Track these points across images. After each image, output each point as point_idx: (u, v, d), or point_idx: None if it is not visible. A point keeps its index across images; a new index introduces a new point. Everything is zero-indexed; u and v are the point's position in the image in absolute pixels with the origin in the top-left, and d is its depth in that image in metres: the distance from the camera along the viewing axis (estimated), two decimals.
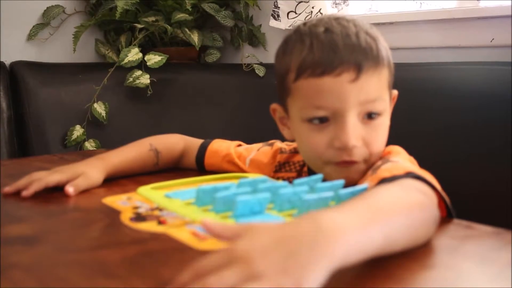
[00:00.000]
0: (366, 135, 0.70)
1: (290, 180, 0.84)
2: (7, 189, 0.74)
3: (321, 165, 0.73)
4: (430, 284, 0.45)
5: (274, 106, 0.80)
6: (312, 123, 0.71)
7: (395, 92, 0.78)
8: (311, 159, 0.76)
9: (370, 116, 0.70)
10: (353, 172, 0.71)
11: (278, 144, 0.90)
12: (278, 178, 0.86)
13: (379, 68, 0.70)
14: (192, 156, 0.94)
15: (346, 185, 0.69)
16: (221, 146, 0.93)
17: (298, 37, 0.72)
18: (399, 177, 0.60)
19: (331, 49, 0.68)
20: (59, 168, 0.79)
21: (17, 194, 0.74)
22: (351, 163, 0.71)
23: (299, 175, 0.85)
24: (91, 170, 0.79)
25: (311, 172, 0.80)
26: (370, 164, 0.72)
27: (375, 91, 0.70)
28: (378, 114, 0.71)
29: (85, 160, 0.83)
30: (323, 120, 0.70)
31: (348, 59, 0.68)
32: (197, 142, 0.95)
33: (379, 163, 0.68)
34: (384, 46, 0.72)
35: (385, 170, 0.63)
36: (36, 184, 0.74)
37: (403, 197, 0.54)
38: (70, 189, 0.74)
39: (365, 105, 0.69)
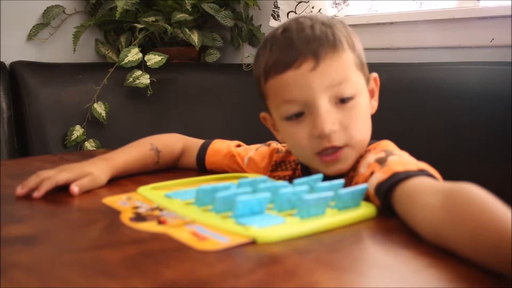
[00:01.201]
0: (342, 119, 0.71)
1: (286, 177, 0.86)
2: (20, 191, 0.73)
3: (310, 158, 0.75)
4: (430, 284, 0.45)
5: (263, 114, 0.82)
6: (291, 120, 0.73)
7: (374, 75, 0.79)
8: (300, 155, 0.77)
9: (342, 100, 0.71)
10: (341, 163, 0.73)
11: (274, 144, 0.91)
12: (274, 177, 0.87)
13: (338, 52, 0.71)
14: (192, 155, 0.95)
15: (341, 174, 0.72)
16: (221, 146, 0.94)
17: (262, 44, 0.77)
18: (413, 173, 0.60)
19: (288, 45, 0.72)
20: (65, 166, 0.79)
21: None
22: (336, 156, 0.72)
23: (294, 173, 0.86)
24: (97, 171, 0.79)
25: (304, 169, 0.82)
26: (359, 150, 0.73)
27: (339, 74, 0.71)
28: (350, 98, 0.72)
29: (90, 160, 0.83)
30: (299, 115, 0.73)
31: (304, 51, 0.71)
32: (196, 142, 0.97)
33: (381, 154, 0.68)
34: (343, 31, 0.74)
35: (396, 163, 0.63)
36: (46, 184, 0.74)
37: None
38: (75, 189, 0.74)
39: (332, 90, 0.71)
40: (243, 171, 0.91)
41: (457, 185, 0.54)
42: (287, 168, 0.87)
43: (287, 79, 0.71)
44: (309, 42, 0.71)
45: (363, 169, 0.69)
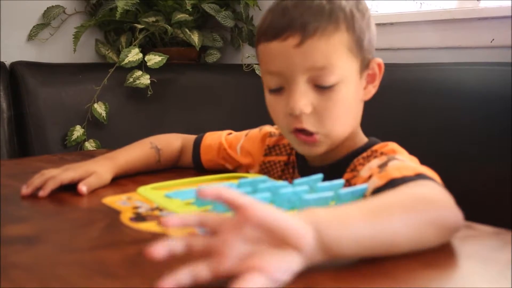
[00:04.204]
0: (318, 104, 0.70)
1: (281, 163, 0.85)
2: (25, 191, 0.73)
3: (286, 134, 0.75)
4: (430, 284, 0.45)
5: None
6: (272, 92, 0.73)
7: (377, 60, 0.75)
8: (279, 128, 0.77)
9: (322, 86, 0.69)
10: (314, 148, 0.72)
11: (267, 128, 0.90)
12: (269, 162, 0.86)
13: (329, 33, 0.68)
14: (189, 154, 0.94)
15: (315, 160, 0.72)
16: (213, 139, 0.92)
17: (272, 3, 0.74)
18: (409, 178, 0.59)
19: (282, 13, 0.70)
20: (69, 166, 0.79)
21: (16, 193, 0.74)
22: (308, 140, 0.71)
23: (289, 158, 0.85)
24: (102, 169, 0.79)
25: (298, 154, 0.81)
26: (334, 139, 0.72)
27: (322, 58, 0.68)
28: (330, 86, 0.69)
29: (94, 159, 0.83)
30: (279, 89, 0.71)
31: (294, 23, 0.68)
32: (191, 139, 0.95)
33: (384, 158, 0.66)
34: (346, 8, 0.70)
35: (394, 169, 0.62)
36: (51, 183, 0.73)
37: (406, 194, 0.53)
38: (83, 188, 0.73)
39: (312, 72, 0.68)
40: (237, 162, 0.90)
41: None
42: (282, 152, 0.86)
43: (273, 49, 0.70)
44: (302, 13, 0.68)
45: (364, 173, 0.67)
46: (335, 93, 0.70)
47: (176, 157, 0.95)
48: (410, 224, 0.49)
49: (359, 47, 0.71)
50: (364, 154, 0.73)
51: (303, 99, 0.69)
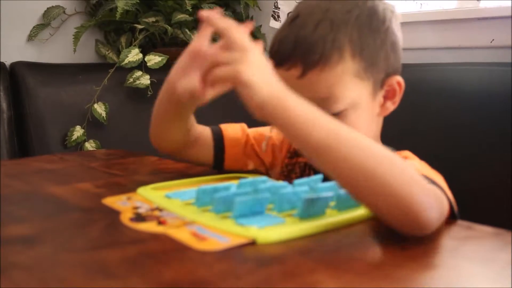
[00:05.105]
0: None
1: (300, 164, 0.83)
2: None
3: None
4: (430, 284, 0.45)
5: None
6: None
7: (396, 78, 0.73)
8: None
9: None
10: None
11: None
12: (291, 164, 0.84)
13: (331, 65, 0.67)
14: (206, 146, 0.85)
15: None
16: (236, 132, 0.86)
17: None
18: None
19: (283, 42, 0.69)
20: None
21: (16, 193, 0.74)
22: None
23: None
24: None
25: None
26: None
27: (325, 88, 0.68)
28: (336, 114, 0.68)
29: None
30: None
31: (296, 54, 0.68)
32: (206, 130, 0.86)
33: None
34: (351, 35, 0.68)
35: None
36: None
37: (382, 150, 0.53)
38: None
39: (315, 102, 0.67)
40: (260, 160, 0.86)
41: None
42: (302, 154, 0.85)
43: (279, 75, 0.69)
44: (303, 45, 0.67)
45: None
46: (343, 119, 0.69)
47: (192, 137, 0.83)
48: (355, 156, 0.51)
49: (369, 70, 0.70)
50: None
51: None
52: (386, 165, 0.51)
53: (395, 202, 0.51)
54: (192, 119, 0.81)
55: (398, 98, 0.75)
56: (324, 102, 0.67)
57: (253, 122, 0.91)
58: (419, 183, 0.52)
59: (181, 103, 0.72)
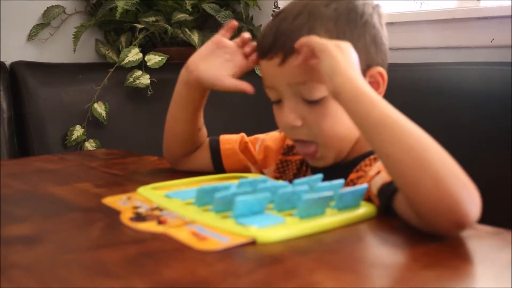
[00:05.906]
0: (308, 117, 0.73)
1: (297, 161, 0.86)
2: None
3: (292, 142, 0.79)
4: (430, 284, 0.45)
5: None
6: (275, 104, 0.77)
7: (377, 69, 0.74)
8: None
9: (308, 101, 0.72)
10: (320, 161, 0.76)
11: None
12: (285, 161, 0.87)
13: None
14: (204, 149, 0.90)
15: (323, 169, 0.73)
16: (231, 136, 0.92)
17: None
18: None
19: (268, 33, 0.75)
20: None
21: (16, 193, 0.74)
22: (309, 149, 0.74)
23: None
24: None
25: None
26: (335, 146, 0.74)
27: (303, 73, 0.71)
28: (316, 100, 0.71)
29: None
30: (278, 101, 0.75)
31: (277, 44, 0.72)
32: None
33: None
34: (327, 24, 0.71)
35: None
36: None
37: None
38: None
39: (296, 88, 0.72)
40: (253, 158, 0.89)
41: None
42: (298, 152, 0.85)
43: (263, 66, 0.76)
44: (282, 35, 0.72)
45: (372, 172, 0.67)
46: (323, 106, 0.72)
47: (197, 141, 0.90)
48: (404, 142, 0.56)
49: None
50: (372, 156, 0.73)
51: (292, 114, 0.73)
52: (434, 153, 0.55)
53: (436, 190, 0.52)
54: (202, 121, 0.89)
55: (382, 89, 0.76)
56: (304, 88, 0.72)
57: (254, 127, 0.93)
58: (465, 178, 0.54)
59: (198, 88, 0.83)
